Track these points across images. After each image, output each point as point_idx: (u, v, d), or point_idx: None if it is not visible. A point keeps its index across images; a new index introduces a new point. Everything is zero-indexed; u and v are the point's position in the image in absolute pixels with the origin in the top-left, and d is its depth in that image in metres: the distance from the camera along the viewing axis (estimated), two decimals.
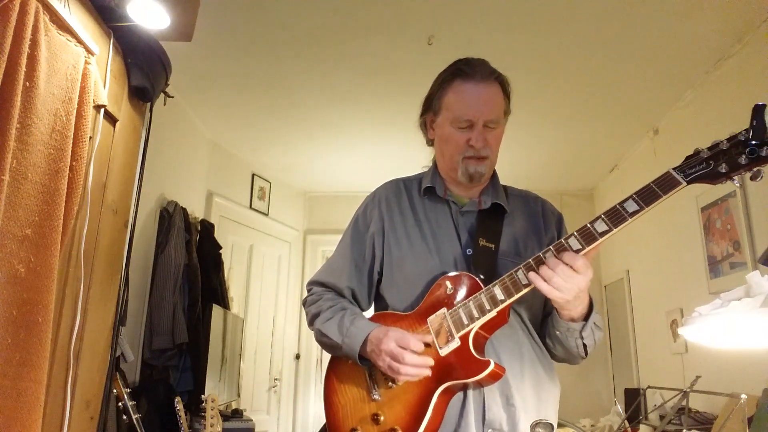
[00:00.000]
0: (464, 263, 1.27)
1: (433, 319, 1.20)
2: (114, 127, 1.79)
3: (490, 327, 1.18)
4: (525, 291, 1.13)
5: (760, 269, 1.62)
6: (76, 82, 1.51)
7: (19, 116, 1.27)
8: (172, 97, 2.15)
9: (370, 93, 3.33)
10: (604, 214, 1.08)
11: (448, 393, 1.17)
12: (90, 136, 1.57)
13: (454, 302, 1.19)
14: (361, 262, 1.38)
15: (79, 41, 1.53)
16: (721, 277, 2.81)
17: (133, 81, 1.86)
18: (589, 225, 1.09)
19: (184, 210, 3.30)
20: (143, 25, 1.81)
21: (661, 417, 2.79)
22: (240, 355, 3.84)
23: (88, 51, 1.57)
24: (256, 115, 3.68)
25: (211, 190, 4.03)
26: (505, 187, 1.42)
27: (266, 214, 4.63)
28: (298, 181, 4.94)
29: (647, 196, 1.06)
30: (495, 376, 1.14)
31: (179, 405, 2.31)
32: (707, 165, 1.04)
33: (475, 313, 1.15)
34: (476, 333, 1.17)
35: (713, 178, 1.04)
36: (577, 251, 1.08)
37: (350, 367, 1.28)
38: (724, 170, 1.02)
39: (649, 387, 3.04)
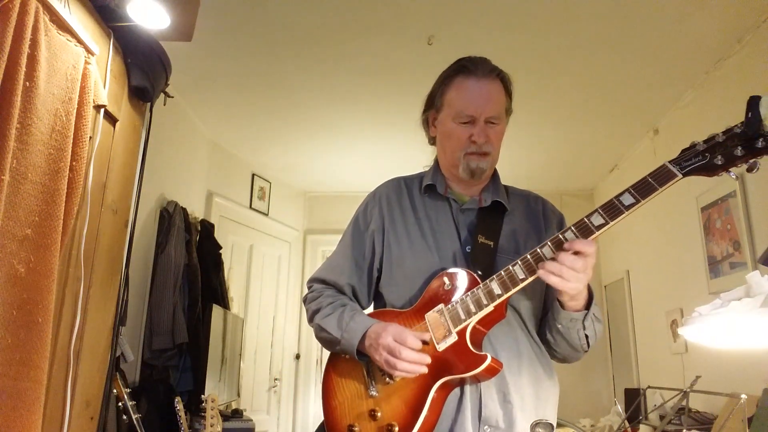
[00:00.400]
0: (463, 260, 1.27)
1: (430, 315, 1.20)
2: (114, 127, 1.78)
3: (488, 322, 1.18)
4: (522, 285, 1.13)
5: (760, 269, 1.62)
6: (76, 82, 1.51)
7: (19, 116, 1.27)
8: (172, 97, 2.15)
9: (370, 93, 3.33)
10: (600, 207, 1.09)
11: (446, 389, 1.18)
12: (90, 136, 1.57)
13: (452, 298, 1.20)
14: (361, 259, 1.38)
15: (79, 41, 1.53)
16: (721, 277, 2.81)
17: (133, 81, 1.86)
18: (585, 219, 1.09)
19: (184, 210, 3.30)
20: (143, 25, 1.81)
21: (661, 417, 2.79)
22: (240, 355, 3.84)
23: (88, 51, 1.57)
24: (256, 115, 3.68)
25: (211, 190, 4.03)
26: (506, 187, 1.42)
27: (266, 214, 4.63)
28: (298, 181, 4.94)
29: (643, 189, 1.06)
30: (492, 371, 1.14)
31: (179, 405, 2.31)
32: (703, 157, 1.04)
33: (473, 308, 1.16)
34: (473, 328, 1.17)
35: (709, 170, 1.04)
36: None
37: (348, 364, 1.28)
38: (720, 162, 1.02)
39: (649, 387, 3.04)
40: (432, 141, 1.43)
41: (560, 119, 3.60)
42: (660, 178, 1.05)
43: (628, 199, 1.06)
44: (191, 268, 3.20)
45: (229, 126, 3.87)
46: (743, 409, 1.75)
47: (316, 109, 3.54)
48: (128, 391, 2.00)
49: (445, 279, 1.22)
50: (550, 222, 1.38)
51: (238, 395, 3.80)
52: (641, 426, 2.85)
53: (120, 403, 1.99)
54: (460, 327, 1.16)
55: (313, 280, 1.43)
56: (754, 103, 1.00)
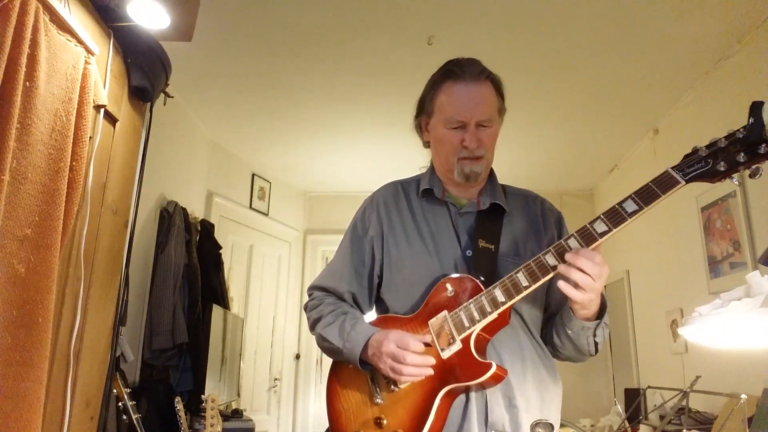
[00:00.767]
0: (464, 265, 1.27)
1: (434, 322, 1.20)
2: (114, 127, 1.78)
3: (492, 329, 1.18)
4: (526, 293, 1.13)
5: (760, 269, 1.62)
6: (76, 82, 1.51)
7: (19, 116, 1.27)
8: (172, 97, 2.15)
9: (370, 93, 3.33)
10: (603, 214, 1.08)
11: (451, 395, 1.18)
12: (90, 136, 1.57)
13: (455, 305, 1.19)
14: (361, 266, 1.38)
15: (79, 41, 1.53)
16: (721, 277, 2.81)
17: (133, 81, 1.86)
18: (588, 225, 1.09)
19: (184, 210, 3.30)
20: (143, 25, 1.81)
21: (661, 417, 2.79)
22: (240, 355, 3.84)
23: (88, 51, 1.57)
24: (256, 115, 3.68)
25: (211, 190, 4.03)
26: (504, 186, 1.42)
27: (266, 214, 4.63)
28: (298, 181, 4.94)
29: (646, 195, 1.06)
30: (497, 379, 1.14)
31: (179, 405, 2.31)
32: (706, 163, 1.04)
33: (476, 316, 1.15)
34: (478, 335, 1.17)
35: (712, 176, 1.04)
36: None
37: (352, 371, 1.28)
38: (722, 168, 1.02)
39: (649, 387, 3.04)
40: (426, 145, 1.43)
41: (560, 119, 3.60)
42: (663, 184, 1.05)
43: (631, 206, 1.06)
44: (191, 268, 3.20)
45: (229, 126, 3.87)
46: (743, 409, 1.75)
47: (316, 109, 3.54)
48: (128, 391, 2.00)
49: (448, 285, 1.22)
50: (548, 222, 1.37)
51: (238, 395, 3.80)
52: (641, 426, 2.85)
53: (120, 403, 1.99)
54: (464, 335, 1.16)
55: (314, 288, 1.43)
56: (756, 108, 1.00)
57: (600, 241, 1.08)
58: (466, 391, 1.19)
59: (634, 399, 3.19)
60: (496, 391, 1.20)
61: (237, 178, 4.37)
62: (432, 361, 1.15)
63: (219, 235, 3.75)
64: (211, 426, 2.30)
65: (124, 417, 1.98)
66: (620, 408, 3.38)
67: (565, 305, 1.21)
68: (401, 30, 2.71)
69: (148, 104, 1.99)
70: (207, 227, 3.60)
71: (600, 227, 1.08)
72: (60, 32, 1.46)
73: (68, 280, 1.55)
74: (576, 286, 1.07)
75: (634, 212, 1.06)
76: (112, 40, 1.76)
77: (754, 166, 1.00)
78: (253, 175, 4.53)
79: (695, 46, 2.74)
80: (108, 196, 1.74)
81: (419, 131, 1.42)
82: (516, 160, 4.16)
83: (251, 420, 3.24)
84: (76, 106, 1.50)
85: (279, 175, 4.74)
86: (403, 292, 1.30)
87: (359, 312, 1.37)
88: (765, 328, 1.12)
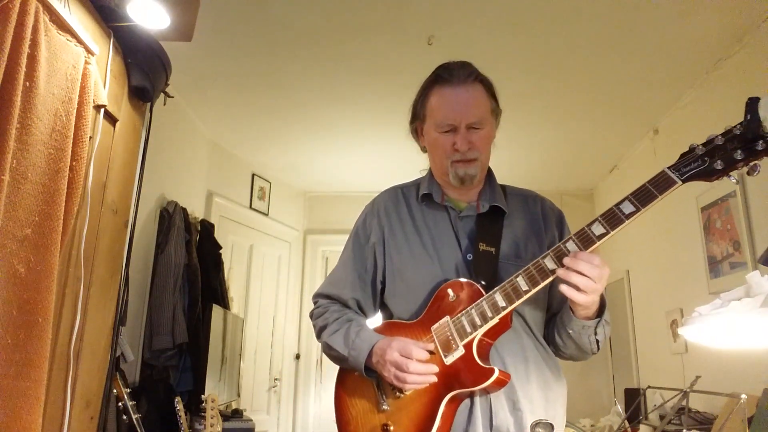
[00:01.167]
0: (465, 269, 1.27)
1: (436, 328, 1.21)
2: (114, 127, 1.78)
3: (494, 333, 1.18)
4: (526, 297, 1.13)
5: (760, 269, 1.62)
6: (76, 82, 1.51)
7: (19, 116, 1.27)
8: (172, 97, 2.15)
9: (370, 93, 3.33)
10: (600, 216, 1.08)
11: (456, 401, 1.18)
12: (90, 136, 1.57)
13: (457, 310, 1.20)
14: (364, 272, 1.39)
15: (79, 41, 1.53)
16: (721, 277, 2.81)
17: (133, 81, 1.86)
18: (586, 228, 1.09)
19: (184, 210, 3.30)
20: (143, 25, 1.81)
21: (661, 417, 2.79)
22: (240, 355, 3.84)
23: (88, 51, 1.57)
24: (256, 115, 3.68)
25: (211, 190, 4.03)
26: (503, 187, 1.42)
27: (266, 214, 4.63)
28: (298, 181, 4.94)
29: (643, 196, 1.05)
30: (500, 383, 1.15)
31: (179, 405, 2.31)
32: (702, 162, 1.03)
33: (478, 321, 1.16)
34: (480, 340, 1.17)
35: (709, 175, 1.03)
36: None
37: (358, 378, 1.29)
38: (719, 167, 1.01)
39: (649, 387, 3.04)
40: (424, 149, 1.44)
41: (560, 119, 3.60)
42: (659, 185, 1.05)
43: (628, 207, 1.06)
44: (191, 268, 3.20)
45: (229, 126, 3.87)
46: (743, 409, 1.75)
47: (316, 109, 3.54)
48: (128, 391, 2.00)
49: (449, 290, 1.22)
50: (549, 222, 1.37)
51: (238, 395, 3.80)
52: (641, 426, 2.85)
53: (120, 403, 1.99)
54: (466, 340, 1.16)
55: (318, 296, 1.44)
56: (753, 104, 0.99)
57: (598, 243, 1.08)
58: (471, 395, 1.20)
59: (634, 399, 3.19)
60: (500, 394, 1.20)
61: (237, 178, 4.37)
62: (435, 368, 1.16)
63: (219, 235, 3.75)
64: (211, 426, 2.30)
65: (124, 417, 1.98)
66: (620, 408, 3.38)
67: (565, 305, 1.21)
68: (401, 30, 2.71)
69: (148, 104, 1.99)
70: (207, 227, 3.60)
71: (598, 230, 1.08)
72: (60, 32, 1.46)
73: (68, 280, 1.55)
74: (577, 288, 1.07)
75: (632, 214, 1.05)
76: (112, 40, 1.76)
77: (752, 163, 0.99)
78: (253, 175, 4.53)
79: (695, 46, 2.74)
80: (108, 196, 1.74)
81: (415, 136, 1.44)
82: (516, 160, 4.16)
83: (251, 420, 3.24)
84: (76, 106, 1.50)
85: (279, 175, 4.74)
86: (406, 297, 1.31)
87: (364, 318, 1.38)
88: (765, 328, 1.12)
